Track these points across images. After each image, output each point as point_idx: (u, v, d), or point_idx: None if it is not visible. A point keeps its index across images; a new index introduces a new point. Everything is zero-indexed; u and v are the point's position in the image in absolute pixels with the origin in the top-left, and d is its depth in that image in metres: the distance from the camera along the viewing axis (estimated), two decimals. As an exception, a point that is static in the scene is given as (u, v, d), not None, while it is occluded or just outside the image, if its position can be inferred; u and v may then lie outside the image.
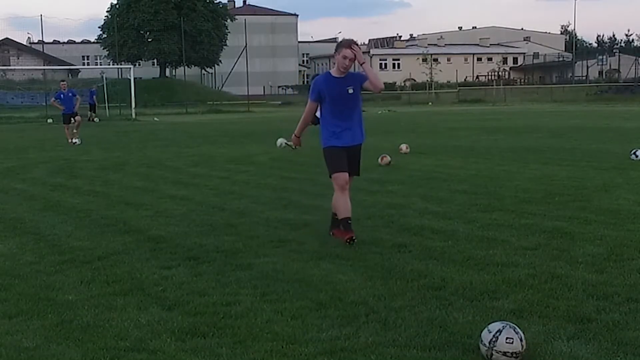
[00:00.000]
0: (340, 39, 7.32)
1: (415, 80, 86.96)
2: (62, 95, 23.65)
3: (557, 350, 4.22)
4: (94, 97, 40.94)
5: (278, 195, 10.69)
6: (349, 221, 7.21)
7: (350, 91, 7.13)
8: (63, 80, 25.02)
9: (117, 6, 73.76)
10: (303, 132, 7.70)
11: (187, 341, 4.52)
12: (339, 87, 7.12)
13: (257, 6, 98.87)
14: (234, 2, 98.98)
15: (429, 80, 74.25)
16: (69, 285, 5.93)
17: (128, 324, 4.87)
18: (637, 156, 14.56)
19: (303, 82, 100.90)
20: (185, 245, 7.37)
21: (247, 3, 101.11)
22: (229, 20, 77.72)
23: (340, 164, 7.25)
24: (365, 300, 5.31)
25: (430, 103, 65.87)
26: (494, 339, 4.08)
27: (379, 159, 14.60)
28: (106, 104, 46.61)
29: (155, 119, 43.65)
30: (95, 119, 39.36)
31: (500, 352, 4.05)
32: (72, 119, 23.13)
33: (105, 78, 53.20)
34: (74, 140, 22.36)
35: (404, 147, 17.32)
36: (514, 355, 4.05)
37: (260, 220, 8.67)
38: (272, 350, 4.32)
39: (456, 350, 4.28)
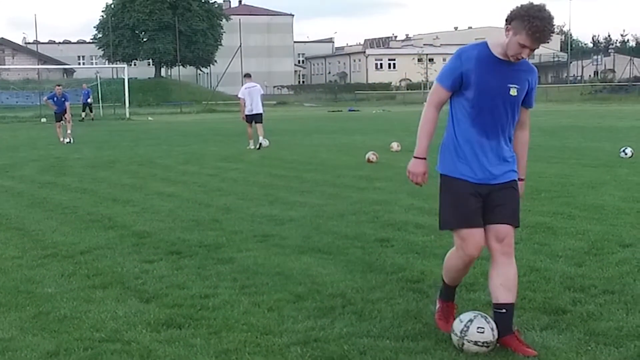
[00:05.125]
0: (523, 4, 4.00)
1: (410, 80, 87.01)
2: (55, 99, 24.01)
3: (529, 341, 4.23)
4: (89, 97, 40.61)
5: (265, 192, 10.70)
6: (449, 290, 4.59)
7: (514, 92, 4.15)
8: (59, 85, 25.40)
9: (112, 6, 73.70)
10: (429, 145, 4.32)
11: (162, 332, 4.54)
12: (499, 76, 4.13)
13: (252, 6, 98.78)
14: (230, 1, 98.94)
15: (424, 80, 74.34)
16: (50, 278, 5.94)
17: (105, 315, 4.89)
18: (626, 154, 14.60)
19: (298, 82, 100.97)
20: (168, 240, 7.38)
21: (242, 3, 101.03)
22: (224, 20, 77.67)
23: (471, 215, 4.18)
24: (343, 292, 5.34)
25: (425, 103, 65.82)
26: (465, 329, 4.09)
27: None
28: (100, 104, 46.55)
29: (149, 118, 43.64)
30: (86, 118, 39.10)
31: (472, 341, 4.07)
32: (63, 117, 23.37)
33: (100, 77, 53.13)
34: (65, 140, 22.37)
35: (395, 145, 17.35)
36: (485, 344, 4.07)
37: (245, 216, 8.68)
38: (246, 341, 4.34)
39: (429, 340, 4.31)
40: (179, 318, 4.78)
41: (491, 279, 4.26)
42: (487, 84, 4.10)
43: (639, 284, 5.41)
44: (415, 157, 4.31)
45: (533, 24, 3.92)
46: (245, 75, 20.11)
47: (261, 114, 19.09)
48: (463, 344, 4.09)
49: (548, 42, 4.08)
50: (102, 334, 4.52)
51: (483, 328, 4.08)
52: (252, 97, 19.10)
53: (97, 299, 5.29)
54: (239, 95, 19.49)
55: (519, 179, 4.36)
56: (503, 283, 4.21)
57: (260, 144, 18.60)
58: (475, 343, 4.06)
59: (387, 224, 7.98)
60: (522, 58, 4.08)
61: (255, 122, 19.00)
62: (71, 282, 5.80)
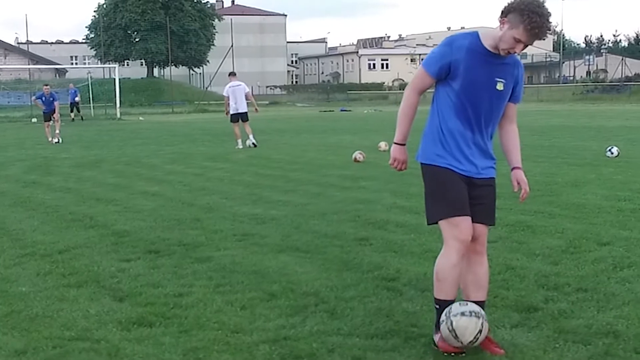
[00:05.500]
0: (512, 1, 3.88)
1: (403, 81, 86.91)
2: (43, 98, 24.16)
3: (498, 338, 4.23)
4: (76, 96, 40.24)
5: (249, 191, 10.68)
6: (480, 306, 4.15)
7: (500, 87, 4.07)
8: (47, 85, 25.61)
9: (105, 6, 73.56)
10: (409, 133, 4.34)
11: (133, 331, 4.53)
12: (487, 70, 4.02)
13: (245, 6, 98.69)
14: (222, 1, 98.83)
15: (416, 80, 74.35)
16: (25, 277, 5.92)
17: (77, 314, 4.88)
18: (612, 153, 14.63)
19: (291, 82, 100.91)
20: (148, 239, 7.36)
21: (235, 3, 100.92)
22: (216, 20, 77.60)
23: (462, 202, 4.11)
24: (317, 291, 5.33)
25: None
26: (448, 310, 4.04)
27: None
28: (91, 104, 46.43)
29: (141, 118, 43.54)
30: (75, 118, 38.82)
31: (458, 314, 3.98)
32: (52, 117, 23.42)
33: (92, 77, 52.97)
34: (54, 140, 22.32)
35: (382, 144, 17.33)
36: (473, 313, 3.98)
37: (227, 215, 8.67)
38: (215, 339, 4.33)
39: (398, 338, 4.30)
40: (151, 316, 4.77)
41: (462, 276, 4.24)
42: (475, 77, 3.99)
43: (612, 282, 5.42)
44: (396, 144, 4.31)
45: (532, 19, 3.78)
46: (229, 74, 20.37)
47: (246, 112, 19.43)
48: (452, 322, 3.96)
49: (544, 40, 3.97)
50: (72, 332, 4.51)
51: (465, 302, 4.08)
52: (236, 96, 19.47)
53: (70, 298, 5.28)
54: (224, 94, 20.01)
55: (516, 167, 4.31)
56: (474, 281, 4.23)
57: (254, 142, 18.86)
58: (463, 314, 3.97)
59: (368, 223, 7.98)
60: (514, 53, 3.97)
61: (242, 121, 19.30)
62: (46, 281, 5.78)
